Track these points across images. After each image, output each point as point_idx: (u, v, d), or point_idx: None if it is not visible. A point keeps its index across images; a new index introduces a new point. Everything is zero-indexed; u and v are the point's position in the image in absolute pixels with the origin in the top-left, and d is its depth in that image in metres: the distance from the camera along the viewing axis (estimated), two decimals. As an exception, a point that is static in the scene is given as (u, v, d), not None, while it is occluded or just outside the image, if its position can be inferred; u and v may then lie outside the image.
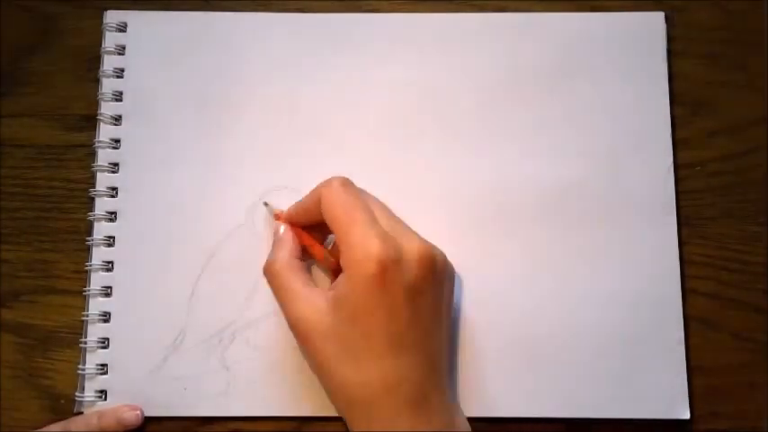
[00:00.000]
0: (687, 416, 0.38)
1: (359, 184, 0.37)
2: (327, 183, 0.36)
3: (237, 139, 0.42)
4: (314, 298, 0.35)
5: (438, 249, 0.36)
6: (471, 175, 0.41)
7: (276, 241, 0.38)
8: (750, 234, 0.41)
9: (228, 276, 0.40)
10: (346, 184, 0.36)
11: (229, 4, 0.43)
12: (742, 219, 0.41)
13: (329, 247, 0.39)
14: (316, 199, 0.36)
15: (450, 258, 0.37)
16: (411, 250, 0.34)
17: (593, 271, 0.40)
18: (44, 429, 0.38)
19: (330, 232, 0.37)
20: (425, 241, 0.36)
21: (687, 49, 0.43)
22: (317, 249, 0.38)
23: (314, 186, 0.37)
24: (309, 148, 0.41)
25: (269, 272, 0.37)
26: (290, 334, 0.38)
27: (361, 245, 0.34)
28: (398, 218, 0.37)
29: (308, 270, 0.38)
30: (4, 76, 0.43)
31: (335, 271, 0.37)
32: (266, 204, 0.40)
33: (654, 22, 0.42)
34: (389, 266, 0.33)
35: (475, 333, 0.39)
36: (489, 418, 0.38)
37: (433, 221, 0.40)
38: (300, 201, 0.38)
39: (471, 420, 0.36)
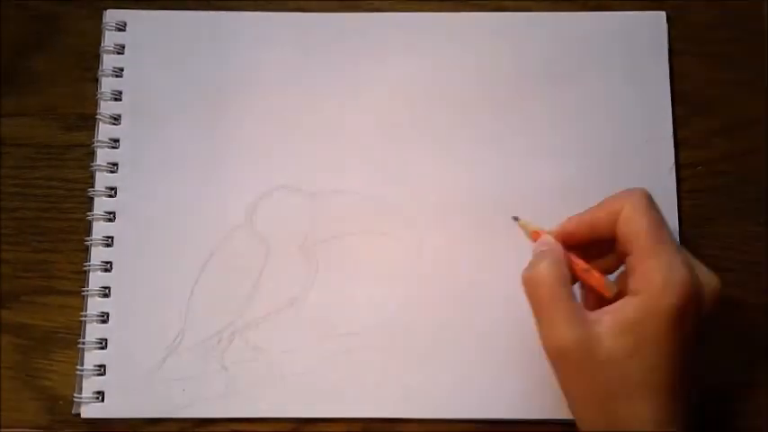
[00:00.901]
0: (688, 417, 0.38)
1: (358, 183, 0.36)
2: (630, 193, 0.32)
3: (237, 138, 0.41)
4: (586, 318, 0.30)
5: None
6: (471, 174, 0.41)
7: (543, 251, 0.33)
8: (750, 234, 0.41)
9: (228, 276, 0.40)
10: (651, 197, 0.32)
11: (229, 3, 0.43)
12: (742, 219, 0.41)
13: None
14: (612, 210, 0.32)
15: (449, 258, 0.36)
16: (709, 285, 0.31)
17: (594, 271, 0.40)
18: None
19: (603, 257, 0.33)
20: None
21: (687, 49, 0.42)
22: (594, 275, 0.32)
23: (316, 185, 0.35)
24: (309, 148, 0.41)
25: (533, 280, 0.32)
26: (289, 334, 0.38)
27: (667, 269, 0.30)
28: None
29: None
30: (4, 75, 0.43)
31: (606, 302, 0.32)
32: (516, 219, 0.36)
33: (656, 22, 0.42)
34: (692, 301, 0.30)
35: (475, 334, 0.39)
36: (487, 420, 0.38)
37: (432, 221, 0.40)
38: (584, 213, 0.33)
39: (468, 422, 0.36)
